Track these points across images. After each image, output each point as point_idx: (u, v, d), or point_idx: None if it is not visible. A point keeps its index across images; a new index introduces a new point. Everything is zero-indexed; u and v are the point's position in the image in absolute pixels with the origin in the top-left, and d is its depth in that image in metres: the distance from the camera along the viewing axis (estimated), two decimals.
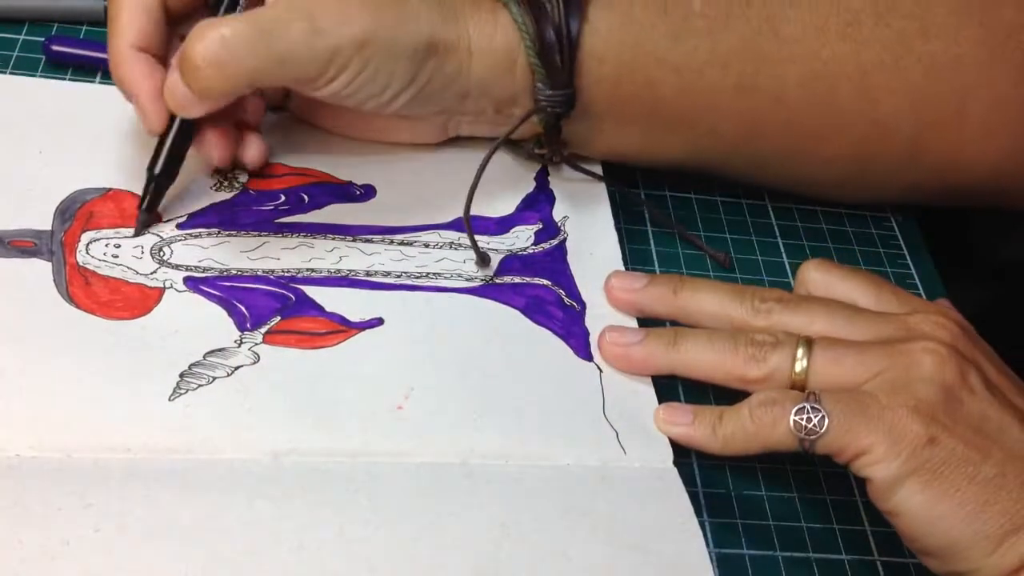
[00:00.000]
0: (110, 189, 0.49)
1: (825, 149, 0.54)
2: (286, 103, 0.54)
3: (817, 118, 0.53)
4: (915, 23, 0.51)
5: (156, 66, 0.47)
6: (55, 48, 0.54)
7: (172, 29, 0.48)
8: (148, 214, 0.48)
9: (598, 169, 0.55)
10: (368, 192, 0.52)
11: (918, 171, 0.55)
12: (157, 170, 0.48)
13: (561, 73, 0.50)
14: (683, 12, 0.51)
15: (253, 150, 0.51)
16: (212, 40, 0.44)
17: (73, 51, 0.55)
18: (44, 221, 0.47)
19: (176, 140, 0.48)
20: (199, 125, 0.48)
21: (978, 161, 0.54)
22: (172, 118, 0.47)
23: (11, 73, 0.54)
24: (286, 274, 0.48)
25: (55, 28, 0.56)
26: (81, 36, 0.56)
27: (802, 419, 0.42)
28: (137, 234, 0.48)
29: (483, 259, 0.50)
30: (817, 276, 0.48)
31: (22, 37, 0.55)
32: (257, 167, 0.51)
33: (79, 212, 0.48)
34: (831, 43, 0.51)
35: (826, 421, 0.41)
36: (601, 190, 0.55)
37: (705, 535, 0.42)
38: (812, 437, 0.41)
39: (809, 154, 0.54)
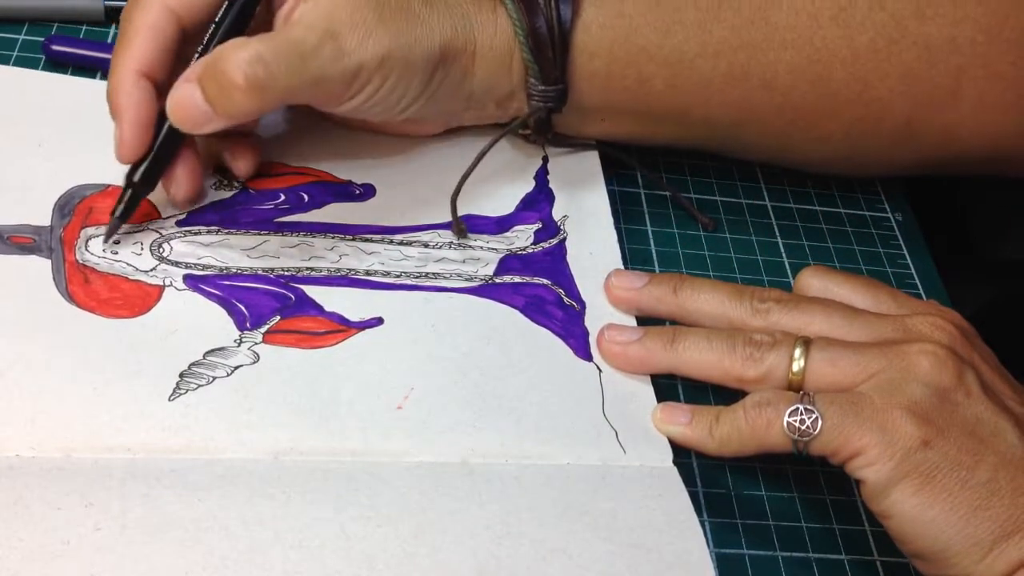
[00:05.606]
0: (109, 185, 0.49)
1: (818, 131, 0.54)
2: None
3: (810, 102, 0.53)
4: (910, 5, 0.51)
5: (153, 95, 0.46)
6: (55, 48, 0.54)
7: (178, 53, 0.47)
8: (120, 221, 0.47)
9: (593, 154, 0.56)
10: (368, 191, 0.52)
11: (913, 149, 0.55)
12: (136, 178, 0.46)
13: (553, 69, 0.50)
14: (674, 5, 0.51)
15: (243, 161, 0.50)
16: (252, 62, 0.43)
17: (73, 51, 0.55)
18: (43, 216, 0.47)
19: (161, 151, 0.46)
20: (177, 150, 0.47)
21: (975, 138, 0.54)
22: (159, 127, 0.46)
23: None
24: (286, 273, 0.48)
25: (55, 28, 0.56)
26: (81, 36, 0.56)
27: (795, 420, 0.41)
28: (107, 240, 0.47)
29: (460, 231, 0.51)
30: (815, 282, 0.48)
31: (22, 37, 0.55)
32: (246, 176, 0.50)
33: (78, 207, 0.48)
34: (824, 29, 0.51)
35: (819, 423, 0.41)
36: (601, 189, 0.55)
37: (705, 535, 0.42)
38: (806, 439, 0.41)
39: (802, 136, 0.54)
